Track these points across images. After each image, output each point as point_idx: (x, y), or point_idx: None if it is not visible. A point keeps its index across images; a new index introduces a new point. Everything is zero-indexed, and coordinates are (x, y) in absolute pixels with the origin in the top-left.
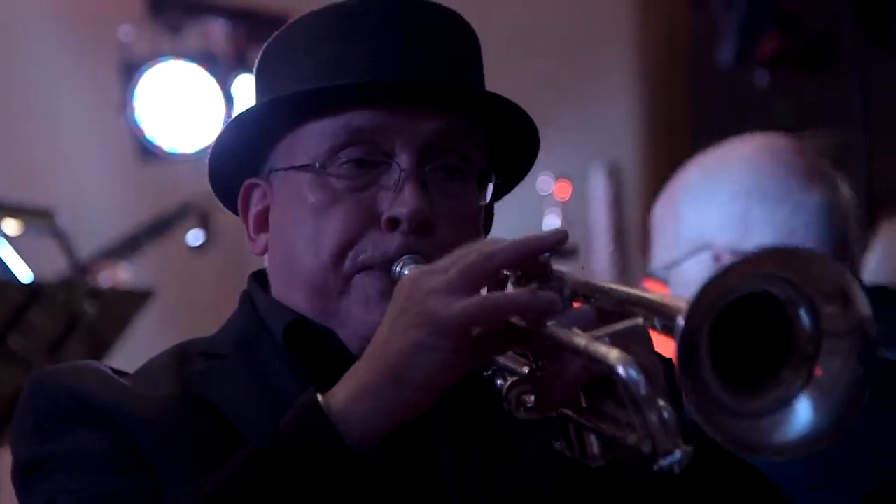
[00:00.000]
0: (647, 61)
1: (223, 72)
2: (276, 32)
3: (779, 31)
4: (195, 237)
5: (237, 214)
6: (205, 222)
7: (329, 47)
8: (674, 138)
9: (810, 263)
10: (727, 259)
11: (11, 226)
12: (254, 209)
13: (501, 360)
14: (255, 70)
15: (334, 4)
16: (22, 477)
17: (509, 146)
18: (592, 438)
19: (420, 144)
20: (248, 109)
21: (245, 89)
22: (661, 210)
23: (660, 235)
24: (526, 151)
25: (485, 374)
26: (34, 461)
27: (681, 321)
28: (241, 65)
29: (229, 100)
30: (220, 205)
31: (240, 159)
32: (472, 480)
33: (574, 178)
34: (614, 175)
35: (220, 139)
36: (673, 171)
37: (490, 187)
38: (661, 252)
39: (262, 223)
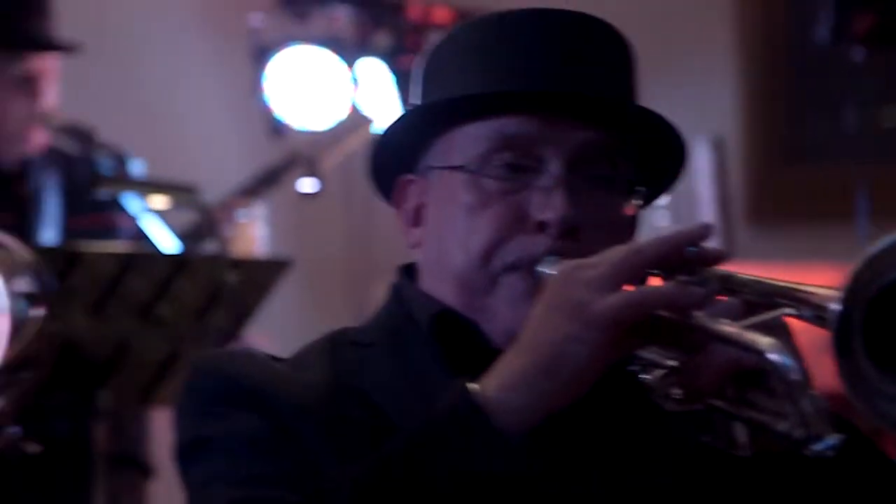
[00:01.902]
0: (745, 36)
1: (348, 55)
2: (440, 37)
3: (874, 7)
4: (306, 184)
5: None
6: (313, 169)
7: (487, 55)
8: (774, 112)
9: None
10: None
11: (159, 201)
12: (409, 204)
13: (646, 354)
14: (419, 71)
15: (496, 13)
16: (182, 456)
17: (657, 157)
18: (739, 428)
19: (571, 153)
20: (408, 112)
21: (369, 71)
22: None
23: None
24: (674, 164)
25: (628, 367)
26: (193, 441)
27: (836, 307)
28: (365, 48)
29: (354, 81)
30: (327, 151)
31: (397, 156)
32: None
33: None
34: (718, 148)
35: (381, 137)
36: (774, 143)
37: (638, 198)
38: None
39: (417, 218)
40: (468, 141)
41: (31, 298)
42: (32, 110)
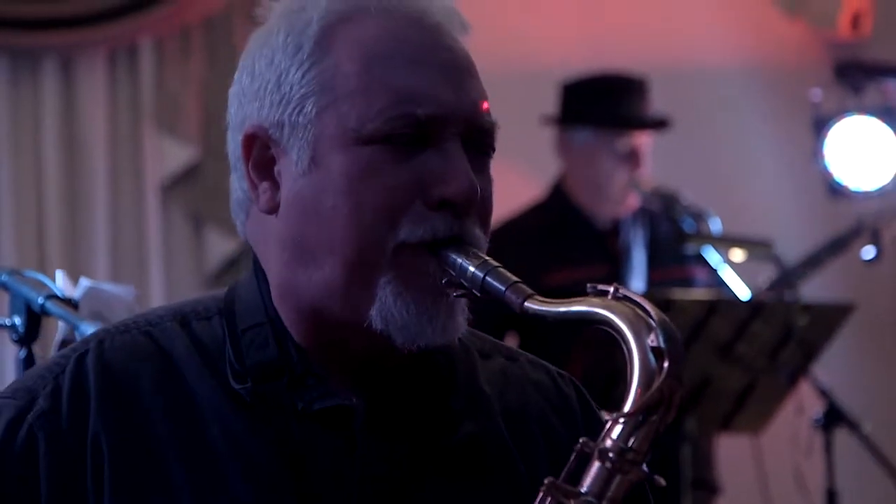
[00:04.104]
0: None
1: None
2: None
3: None
4: (867, 252)
5: None
6: (876, 238)
7: None
8: None
9: None
10: None
11: (736, 254)
12: None
13: None
14: None
15: None
16: None
17: None
18: None
19: None
20: None
21: None
22: None
23: None
24: None
25: None
26: None
27: None
28: None
29: None
30: (889, 221)
31: None
32: None
33: None
34: None
35: None
36: None
37: None
38: None
39: None
40: None
41: (658, 352)
42: (632, 179)
